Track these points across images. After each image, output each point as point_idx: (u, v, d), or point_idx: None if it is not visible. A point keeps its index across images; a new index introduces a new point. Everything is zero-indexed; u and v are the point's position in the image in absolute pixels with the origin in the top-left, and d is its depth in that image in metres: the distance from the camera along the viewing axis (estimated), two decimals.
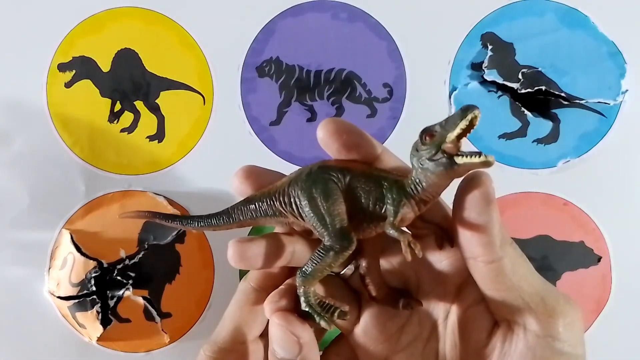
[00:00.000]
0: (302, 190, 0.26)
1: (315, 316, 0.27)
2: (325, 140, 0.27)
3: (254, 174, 0.29)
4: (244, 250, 0.27)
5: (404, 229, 0.27)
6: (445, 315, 0.30)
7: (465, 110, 0.24)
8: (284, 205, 0.27)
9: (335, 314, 0.27)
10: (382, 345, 0.30)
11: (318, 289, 0.29)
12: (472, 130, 0.24)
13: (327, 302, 0.28)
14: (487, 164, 0.24)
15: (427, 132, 0.25)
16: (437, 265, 0.29)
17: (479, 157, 0.24)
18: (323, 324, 0.27)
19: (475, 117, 0.24)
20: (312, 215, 0.26)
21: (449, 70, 0.53)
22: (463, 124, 0.24)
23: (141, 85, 0.53)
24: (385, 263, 0.31)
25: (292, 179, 0.27)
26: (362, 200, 0.26)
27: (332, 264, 0.26)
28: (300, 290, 0.27)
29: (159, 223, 0.31)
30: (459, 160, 0.24)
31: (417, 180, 0.26)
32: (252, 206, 0.28)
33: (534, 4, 0.53)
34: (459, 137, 0.24)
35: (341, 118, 0.28)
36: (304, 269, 0.27)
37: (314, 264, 0.26)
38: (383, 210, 0.26)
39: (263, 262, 0.27)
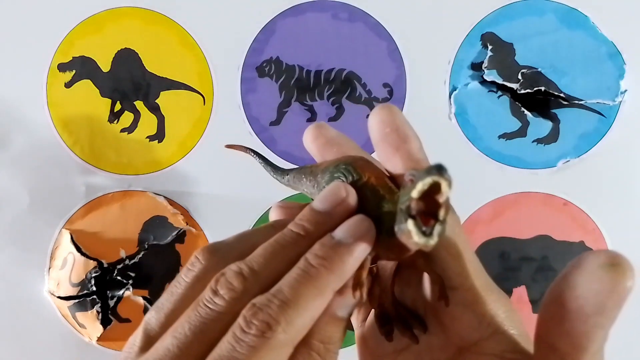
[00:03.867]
0: (324, 185, 0.27)
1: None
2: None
3: (322, 136, 0.28)
4: None
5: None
6: None
7: (427, 172, 0.20)
8: (314, 189, 0.28)
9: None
10: (378, 359, 0.29)
11: None
12: (441, 196, 0.20)
13: None
14: (422, 246, 0.20)
15: (409, 176, 0.22)
16: (441, 316, 0.27)
17: (421, 235, 0.20)
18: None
19: (435, 185, 0.20)
20: None
21: (449, 70, 0.53)
22: (419, 187, 0.20)
23: (141, 85, 0.53)
24: (401, 283, 0.28)
25: (327, 166, 0.27)
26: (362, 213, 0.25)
27: None
28: None
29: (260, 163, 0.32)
30: (409, 224, 0.21)
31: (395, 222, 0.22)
32: (304, 179, 0.29)
33: (534, 4, 0.53)
34: (423, 198, 0.21)
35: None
36: None
37: None
38: None
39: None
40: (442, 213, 0.21)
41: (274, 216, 0.27)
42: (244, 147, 0.33)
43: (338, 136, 0.28)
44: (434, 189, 0.20)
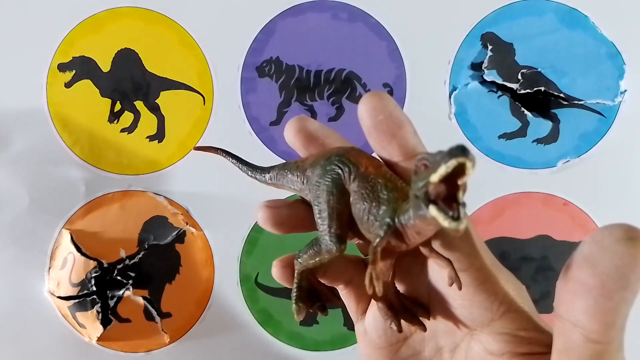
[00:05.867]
0: (317, 179, 0.25)
1: (293, 296, 0.26)
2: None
3: (304, 129, 0.27)
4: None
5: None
6: (453, 347, 0.28)
7: (451, 153, 0.19)
8: (304, 185, 0.26)
9: (315, 306, 0.27)
10: (380, 350, 0.29)
11: (340, 267, 0.27)
12: (464, 178, 0.20)
13: (316, 292, 0.27)
14: (453, 230, 0.20)
15: (422, 161, 0.21)
16: (449, 300, 0.26)
17: (450, 220, 0.20)
18: (293, 308, 0.26)
19: (462, 166, 0.19)
20: (317, 208, 0.25)
21: (449, 70, 0.53)
22: (442, 171, 0.19)
23: (141, 85, 0.53)
24: (401, 273, 0.28)
25: (316, 160, 0.26)
26: (358, 206, 0.24)
27: (321, 261, 0.25)
28: (297, 269, 0.26)
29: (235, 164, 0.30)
30: (432, 210, 0.20)
31: (408, 209, 0.22)
32: (290, 176, 0.27)
33: (534, 4, 0.53)
34: (443, 181, 0.20)
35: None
36: (299, 253, 0.26)
37: (305, 254, 0.26)
38: (372, 227, 0.23)
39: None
40: (460, 195, 0.20)
41: (261, 217, 0.26)
42: (214, 147, 0.31)
43: (321, 128, 0.27)
44: (456, 171, 0.20)
